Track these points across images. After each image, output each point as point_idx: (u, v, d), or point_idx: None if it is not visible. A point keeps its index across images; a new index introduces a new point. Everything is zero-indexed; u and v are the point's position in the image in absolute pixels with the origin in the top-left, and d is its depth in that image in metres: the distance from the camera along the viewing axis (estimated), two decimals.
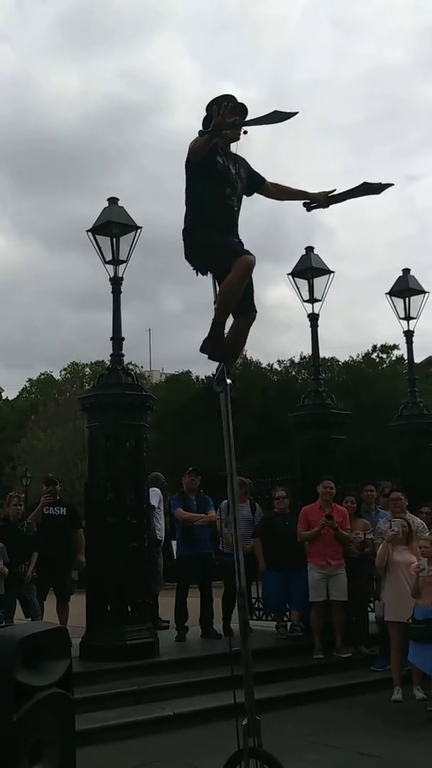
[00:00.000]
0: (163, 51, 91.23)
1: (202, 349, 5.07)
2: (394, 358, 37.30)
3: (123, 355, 10.05)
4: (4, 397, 55.22)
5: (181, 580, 10.88)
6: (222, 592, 10.89)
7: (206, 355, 5.09)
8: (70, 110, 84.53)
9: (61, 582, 10.16)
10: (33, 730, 3.87)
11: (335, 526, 9.85)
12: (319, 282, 11.86)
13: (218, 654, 9.62)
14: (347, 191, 5.31)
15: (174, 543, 11.39)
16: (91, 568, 9.74)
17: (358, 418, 21.80)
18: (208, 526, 10.88)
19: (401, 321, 13.16)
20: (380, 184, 5.27)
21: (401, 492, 9.70)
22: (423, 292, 13.18)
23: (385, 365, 38.04)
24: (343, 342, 60.08)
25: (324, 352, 26.17)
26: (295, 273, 11.94)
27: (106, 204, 10.13)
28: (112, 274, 9.93)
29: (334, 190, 5.31)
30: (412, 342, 13.32)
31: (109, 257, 9.93)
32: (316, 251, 11.97)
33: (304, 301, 11.91)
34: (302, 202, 5.36)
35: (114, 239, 9.90)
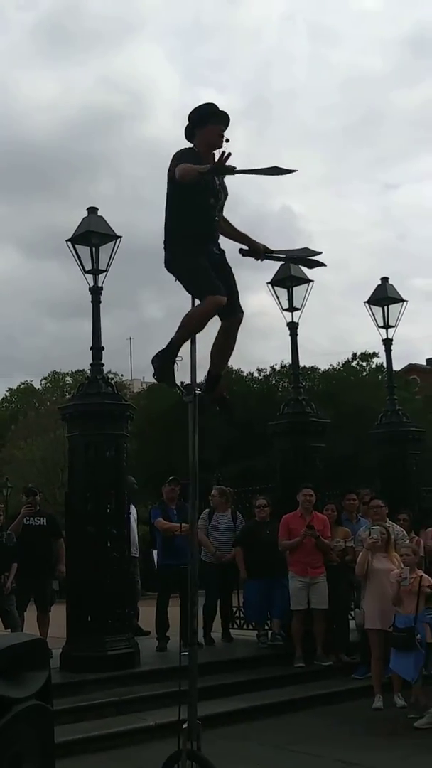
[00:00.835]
0: (141, 57, 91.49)
1: (152, 362, 5.18)
2: (374, 365, 37.45)
3: (103, 365, 10.04)
4: None
5: (162, 590, 10.86)
6: (203, 601, 10.89)
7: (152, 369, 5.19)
8: (48, 116, 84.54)
9: (41, 592, 10.12)
10: (11, 742, 3.84)
11: (317, 535, 9.88)
12: (298, 291, 11.91)
13: (199, 664, 9.60)
14: (285, 255, 5.45)
15: (155, 552, 11.37)
16: (71, 578, 9.70)
17: (338, 426, 21.90)
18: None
19: (380, 329, 13.24)
20: (317, 261, 5.45)
21: (381, 499, 9.76)
22: (401, 300, 13.26)
23: (365, 373, 38.18)
24: (324, 350, 60.26)
25: (304, 360, 26.30)
26: (275, 282, 11.99)
27: (85, 211, 10.14)
28: (91, 284, 9.93)
29: (272, 252, 5.41)
30: (390, 350, 13.41)
31: (88, 267, 9.92)
32: None
33: (284, 309, 11.96)
34: (240, 247, 5.42)
35: (93, 249, 9.89)
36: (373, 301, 13.25)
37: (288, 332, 12.04)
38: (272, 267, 12.03)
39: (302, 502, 10.14)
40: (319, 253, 5.34)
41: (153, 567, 11.51)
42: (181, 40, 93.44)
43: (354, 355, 39.06)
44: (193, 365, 5.21)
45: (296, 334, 12.02)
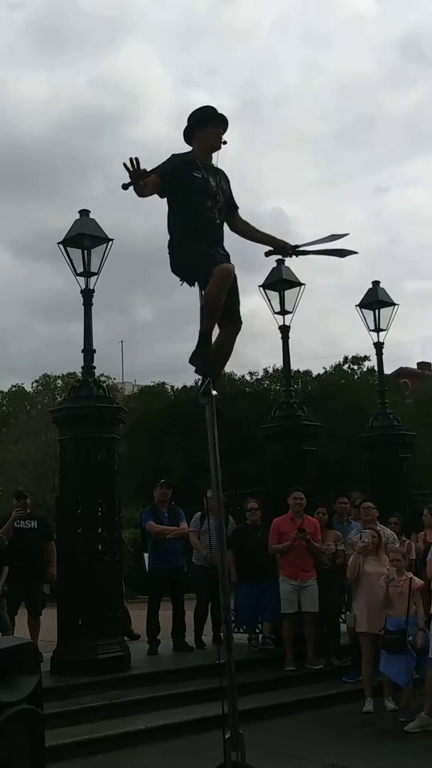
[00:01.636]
0: (133, 59, 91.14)
1: (191, 361, 5.13)
2: (365, 369, 37.49)
3: (94, 368, 10.04)
4: None
5: (153, 593, 10.85)
6: (194, 604, 10.88)
7: (194, 368, 5.15)
8: (39, 117, 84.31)
9: (32, 596, 10.10)
10: (2, 747, 3.83)
11: (308, 538, 9.88)
12: (290, 294, 11.94)
13: (190, 667, 9.63)
14: (316, 249, 5.45)
15: (146, 555, 11.36)
16: (62, 581, 9.68)
17: (330, 429, 21.90)
18: (179, 539, 10.87)
19: (371, 333, 13.27)
20: (347, 250, 5.48)
21: (372, 502, 9.78)
22: (392, 304, 13.30)
23: (356, 376, 38.22)
24: (316, 353, 60.37)
25: (296, 364, 26.33)
26: (266, 285, 12.00)
27: (76, 212, 10.15)
28: (83, 287, 9.92)
29: (296, 246, 5.44)
30: (382, 354, 13.46)
31: (80, 269, 9.92)
32: (287, 263, 12.02)
33: (276, 313, 11.98)
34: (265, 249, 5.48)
35: (85, 251, 9.89)
36: (364, 304, 13.28)
37: (280, 335, 12.06)
38: (264, 270, 12.08)
39: (292, 506, 10.14)
40: (346, 235, 5.35)
41: (144, 570, 11.53)
42: (173, 41, 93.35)
43: (345, 358, 39.10)
44: (209, 367, 5.19)
45: (288, 338, 12.04)
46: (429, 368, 50.65)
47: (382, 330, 13.23)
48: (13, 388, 52.48)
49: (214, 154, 5.28)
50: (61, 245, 10.02)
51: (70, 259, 9.97)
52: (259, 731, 7.74)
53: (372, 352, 14.09)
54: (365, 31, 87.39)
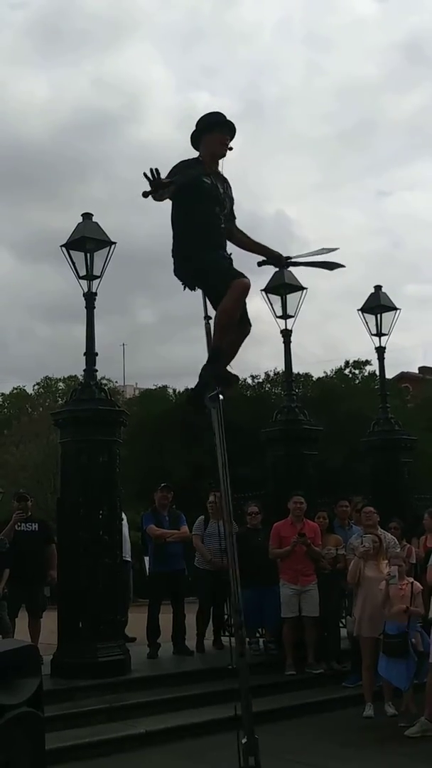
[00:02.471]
0: (136, 59, 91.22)
1: (205, 377, 5.13)
2: (366, 373, 37.48)
3: (96, 370, 10.05)
4: None
5: (154, 597, 10.84)
6: (195, 608, 10.87)
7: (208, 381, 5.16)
8: (41, 118, 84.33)
9: (33, 598, 10.09)
10: (2, 749, 3.84)
11: (308, 543, 9.88)
12: (292, 298, 11.94)
13: (190, 671, 9.62)
14: (306, 261, 5.52)
15: (146, 559, 11.35)
16: (62, 584, 9.68)
17: (331, 433, 21.90)
18: (180, 542, 10.87)
19: (373, 337, 13.26)
20: (336, 263, 5.59)
21: (373, 506, 9.77)
22: (394, 308, 13.30)
23: (357, 381, 38.22)
24: (317, 357, 60.33)
25: (297, 368, 26.30)
26: (269, 289, 12.00)
27: (78, 214, 10.18)
28: (86, 290, 9.94)
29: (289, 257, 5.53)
30: (383, 358, 13.44)
31: (83, 272, 9.93)
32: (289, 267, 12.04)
33: (277, 317, 11.98)
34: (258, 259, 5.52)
35: (88, 254, 9.90)
36: (366, 308, 13.27)
37: (281, 339, 12.07)
38: (266, 275, 12.07)
39: (293, 510, 10.14)
40: (336, 249, 5.44)
41: (144, 573, 11.52)
42: (176, 42, 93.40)
43: (347, 362, 39.11)
44: (222, 369, 5.21)
45: (290, 342, 12.04)
46: (430, 372, 50.62)
47: (384, 334, 13.22)
48: (15, 391, 52.50)
49: (220, 161, 5.30)
50: (63, 248, 10.03)
51: (73, 262, 9.98)
52: (259, 735, 7.74)
53: (373, 357, 14.09)
54: (367, 33, 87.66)
